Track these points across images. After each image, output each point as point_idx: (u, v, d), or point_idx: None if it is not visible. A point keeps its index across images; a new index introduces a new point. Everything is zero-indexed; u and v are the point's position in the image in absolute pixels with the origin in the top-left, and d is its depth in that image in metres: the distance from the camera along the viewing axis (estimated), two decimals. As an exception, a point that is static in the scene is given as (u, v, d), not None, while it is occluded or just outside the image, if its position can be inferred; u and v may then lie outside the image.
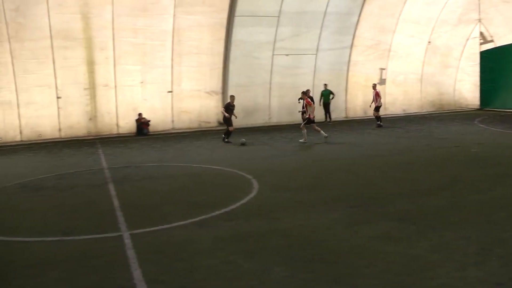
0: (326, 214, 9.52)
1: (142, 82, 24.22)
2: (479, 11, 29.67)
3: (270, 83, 26.03)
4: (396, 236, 8.12)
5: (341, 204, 10.19)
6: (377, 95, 23.17)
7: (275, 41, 25.42)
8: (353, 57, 27.46)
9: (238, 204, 10.54)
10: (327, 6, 25.30)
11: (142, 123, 24.19)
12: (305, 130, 19.44)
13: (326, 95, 26.47)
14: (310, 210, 9.92)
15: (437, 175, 12.66)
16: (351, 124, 25.71)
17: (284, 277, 6.65)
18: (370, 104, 24.06)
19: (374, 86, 23.63)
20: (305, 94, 20.18)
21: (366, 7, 26.26)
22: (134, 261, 7.36)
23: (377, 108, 23.42)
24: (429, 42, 29.35)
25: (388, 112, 28.56)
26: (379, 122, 23.39)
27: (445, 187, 11.47)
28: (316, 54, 26.54)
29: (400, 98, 29.31)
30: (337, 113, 25.39)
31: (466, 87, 32.06)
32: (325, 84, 26.30)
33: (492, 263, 6.88)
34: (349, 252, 7.45)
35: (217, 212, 9.90)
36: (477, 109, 31.56)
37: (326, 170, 14.15)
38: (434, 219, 8.98)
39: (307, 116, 19.41)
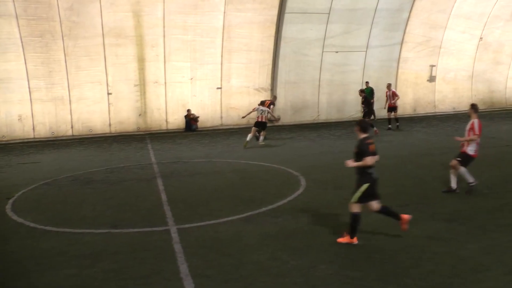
0: (374, 213, 9.34)
1: (191, 79, 24.47)
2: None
3: (319, 80, 25.83)
4: (445, 236, 8.02)
5: (390, 203, 9.95)
6: (394, 95, 22.35)
7: (324, 38, 25.23)
8: (403, 54, 26.97)
9: (285, 200, 10.54)
10: (378, 2, 24.93)
11: (191, 119, 24.46)
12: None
13: (368, 93, 26.06)
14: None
15: (488, 175, 12.32)
16: (400, 121, 25.15)
17: (329, 275, 6.63)
18: (384, 105, 23.19)
19: (388, 86, 22.93)
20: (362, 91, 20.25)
21: (417, 3, 25.73)
22: (181, 255, 7.47)
23: (392, 109, 22.52)
24: (481, 38, 28.51)
25: (437, 110, 27.96)
26: (397, 124, 22.51)
27: (496, 187, 11.22)
28: (366, 51, 26.21)
29: (450, 96, 28.59)
30: (386, 111, 24.96)
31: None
32: (367, 82, 25.89)
33: None
34: (397, 252, 7.41)
35: (264, 209, 9.93)
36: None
37: (376, 168, 13.84)
38: (484, 220, 8.83)
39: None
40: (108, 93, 23.48)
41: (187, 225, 9.06)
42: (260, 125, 18.97)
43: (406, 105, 27.40)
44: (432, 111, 27.79)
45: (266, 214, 9.66)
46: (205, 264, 7.19)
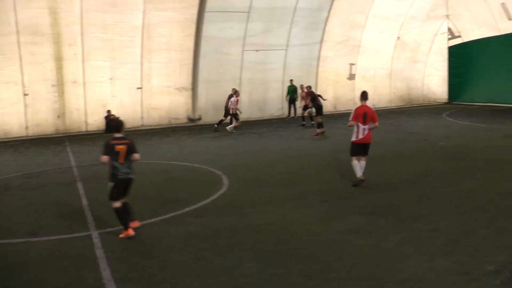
0: (298, 210, 9.55)
1: (111, 79, 23.89)
2: (447, 7, 30.07)
3: (240, 79, 25.93)
4: (367, 229, 8.20)
5: (313, 199, 10.24)
6: (307, 95, 22.68)
7: (245, 37, 25.35)
8: (323, 53, 27.57)
9: (208, 200, 10.49)
10: (297, 2, 25.32)
11: (111, 120, 23.85)
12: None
13: (292, 91, 26.50)
14: (282, 205, 9.94)
15: (407, 169, 12.81)
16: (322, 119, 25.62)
17: (255, 273, 6.65)
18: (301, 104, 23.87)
19: (301, 87, 23.63)
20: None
21: (336, 3, 26.36)
22: (103, 261, 7.27)
23: (307, 107, 23.04)
24: (398, 37, 29.62)
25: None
26: (312, 122, 22.71)
27: (414, 180, 11.62)
28: (286, 49, 26.56)
29: (369, 93, 29.35)
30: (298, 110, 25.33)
31: (435, 82, 32.50)
32: (291, 80, 26.32)
33: (460, 253, 7.02)
34: (321, 247, 7.50)
35: (188, 209, 9.85)
36: (446, 103, 32.02)
37: (299, 165, 14.16)
38: (404, 212, 9.11)
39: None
40: (24, 94, 22.49)
41: (109, 229, 8.78)
42: (228, 115, 21.94)
43: (326, 102, 27.92)
44: (353, 108, 28.51)
45: (189, 214, 9.56)
46: (129, 268, 7.02)
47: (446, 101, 32.37)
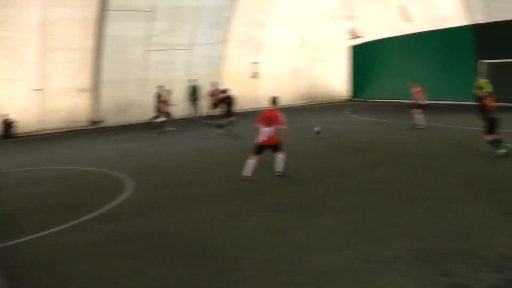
0: (207, 210, 9.47)
1: (9, 80, 22.46)
2: (349, 8, 31.12)
3: (145, 79, 25.41)
4: (276, 225, 8.29)
5: (222, 199, 10.20)
6: (217, 93, 22.69)
7: (149, 36, 24.92)
8: (227, 52, 27.64)
9: (112, 205, 10.16)
10: (201, 1, 25.20)
11: (8, 124, 22.60)
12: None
13: (194, 91, 26.39)
14: (190, 206, 9.82)
15: (312, 165, 13.12)
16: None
17: (162, 277, 6.51)
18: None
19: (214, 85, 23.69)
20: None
21: (239, 2, 26.51)
22: (3, 277, 6.81)
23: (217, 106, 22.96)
24: (302, 37, 30.22)
25: (262, 105, 28.86)
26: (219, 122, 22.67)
27: (320, 175, 11.93)
28: (191, 49, 26.39)
29: (273, 92, 29.55)
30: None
31: (337, 80, 33.55)
32: (193, 80, 26.18)
33: (364, 243, 7.30)
34: (231, 246, 7.49)
35: (91, 215, 9.47)
36: (348, 100, 33.12)
37: (206, 165, 14.08)
38: (310, 207, 9.31)
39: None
40: None
41: (10, 243, 8.27)
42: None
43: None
44: (256, 107, 28.74)
45: (93, 221, 9.17)
46: (30, 282, 6.66)
47: (349, 98, 33.49)
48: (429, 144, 15.50)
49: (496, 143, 13.02)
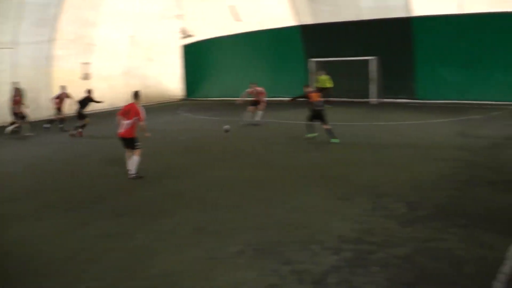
0: (39, 223, 8.71)
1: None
2: (180, 7, 31.15)
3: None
4: (116, 232, 8.02)
5: (54, 210, 9.49)
6: (65, 97, 21.60)
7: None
8: (55, 52, 26.01)
9: None
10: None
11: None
12: None
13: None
14: (23, 220, 8.97)
15: (151, 166, 12.83)
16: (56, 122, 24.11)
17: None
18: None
19: (62, 88, 22.33)
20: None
21: (66, -1, 25.13)
22: None
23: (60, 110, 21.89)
24: (132, 36, 29.66)
25: (95, 107, 27.79)
26: (60, 125, 21.27)
27: (159, 176, 11.78)
28: (14, 48, 24.42)
29: (106, 93, 28.68)
30: (39, 112, 23.48)
31: (171, 80, 33.47)
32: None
33: (207, 241, 7.37)
34: (69, 259, 7.02)
35: None
36: (183, 100, 33.25)
37: (36, 174, 13.06)
38: (151, 209, 9.17)
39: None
40: None
41: None
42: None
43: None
44: (90, 109, 27.55)
45: None
46: None
47: (183, 97, 33.63)
48: (263, 139, 16.13)
49: (330, 133, 14.92)
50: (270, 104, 20.88)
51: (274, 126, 18.69)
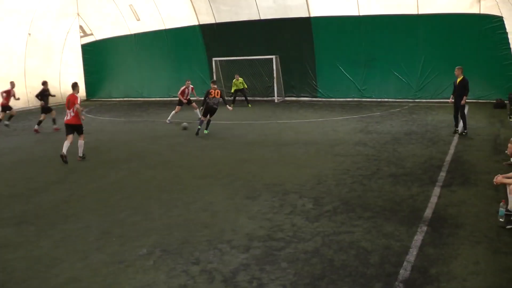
0: None
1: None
2: (77, 5, 30.05)
3: None
4: (16, 241, 7.61)
5: None
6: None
7: None
8: None
9: None
10: None
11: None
12: None
13: None
14: None
15: (51, 170, 12.39)
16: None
17: None
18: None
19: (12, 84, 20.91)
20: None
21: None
22: None
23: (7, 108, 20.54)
24: (29, 34, 28.20)
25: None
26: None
27: (60, 180, 11.33)
28: None
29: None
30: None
31: (71, 79, 32.14)
32: None
33: (113, 245, 7.22)
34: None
35: None
36: (84, 100, 32.07)
37: None
38: (53, 215, 8.80)
39: None
40: None
41: None
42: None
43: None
44: None
45: None
46: None
47: (84, 98, 32.51)
48: (168, 139, 15.89)
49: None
50: (172, 104, 20.58)
51: (178, 127, 18.41)
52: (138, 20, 29.09)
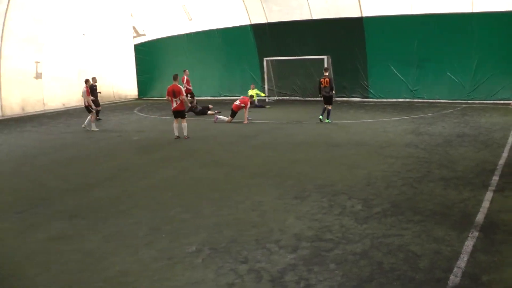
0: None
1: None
2: (131, 6, 30.76)
3: None
4: (69, 233, 7.84)
5: (6, 212, 9.22)
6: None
7: None
8: (5, 51, 25.02)
9: None
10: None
11: None
12: None
13: None
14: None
15: (104, 166, 12.70)
16: (8, 122, 23.49)
17: None
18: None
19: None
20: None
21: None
22: None
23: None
24: (84, 34, 29.00)
25: (47, 107, 27.14)
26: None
27: (112, 177, 11.61)
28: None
29: (59, 92, 28.06)
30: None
31: (124, 79, 32.92)
32: None
33: (162, 241, 7.33)
34: (21, 262, 6.85)
35: None
36: (136, 99, 32.80)
37: None
38: (104, 210, 9.00)
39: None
40: None
41: None
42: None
43: (13, 104, 25.79)
44: (42, 109, 26.92)
45: None
46: None
47: (136, 97, 33.18)
48: (218, 138, 16.04)
49: None
50: (226, 103, 20.83)
51: (229, 126, 18.58)
52: (190, 20, 29.43)
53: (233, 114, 19.36)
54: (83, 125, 19.31)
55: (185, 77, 22.59)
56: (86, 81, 19.72)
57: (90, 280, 6.14)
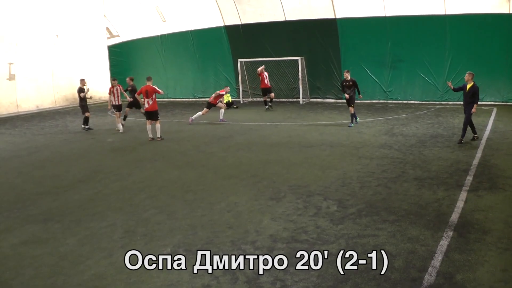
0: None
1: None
2: (104, 7, 30.48)
3: None
4: (43, 237, 7.76)
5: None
6: None
7: None
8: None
9: None
10: None
11: None
12: None
13: None
14: None
15: (77, 169, 12.52)
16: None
17: None
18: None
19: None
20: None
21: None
22: None
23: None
24: (57, 35, 28.57)
25: (20, 109, 26.67)
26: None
27: (86, 179, 11.49)
28: None
29: (32, 94, 27.61)
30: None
31: (97, 80, 32.52)
32: None
33: (137, 242, 7.31)
34: (-6, 266, 6.73)
35: None
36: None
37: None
38: (78, 213, 8.93)
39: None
40: None
41: None
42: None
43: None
44: (15, 111, 26.40)
45: None
46: None
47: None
48: (193, 140, 15.95)
49: None
50: (196, 105, 20.71)
51: (204, 127, 18.49)
52: (164, 21, 29.27)
53: (209, 106, 19.32)
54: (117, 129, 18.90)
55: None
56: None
57: (65, 284, 6.09)
